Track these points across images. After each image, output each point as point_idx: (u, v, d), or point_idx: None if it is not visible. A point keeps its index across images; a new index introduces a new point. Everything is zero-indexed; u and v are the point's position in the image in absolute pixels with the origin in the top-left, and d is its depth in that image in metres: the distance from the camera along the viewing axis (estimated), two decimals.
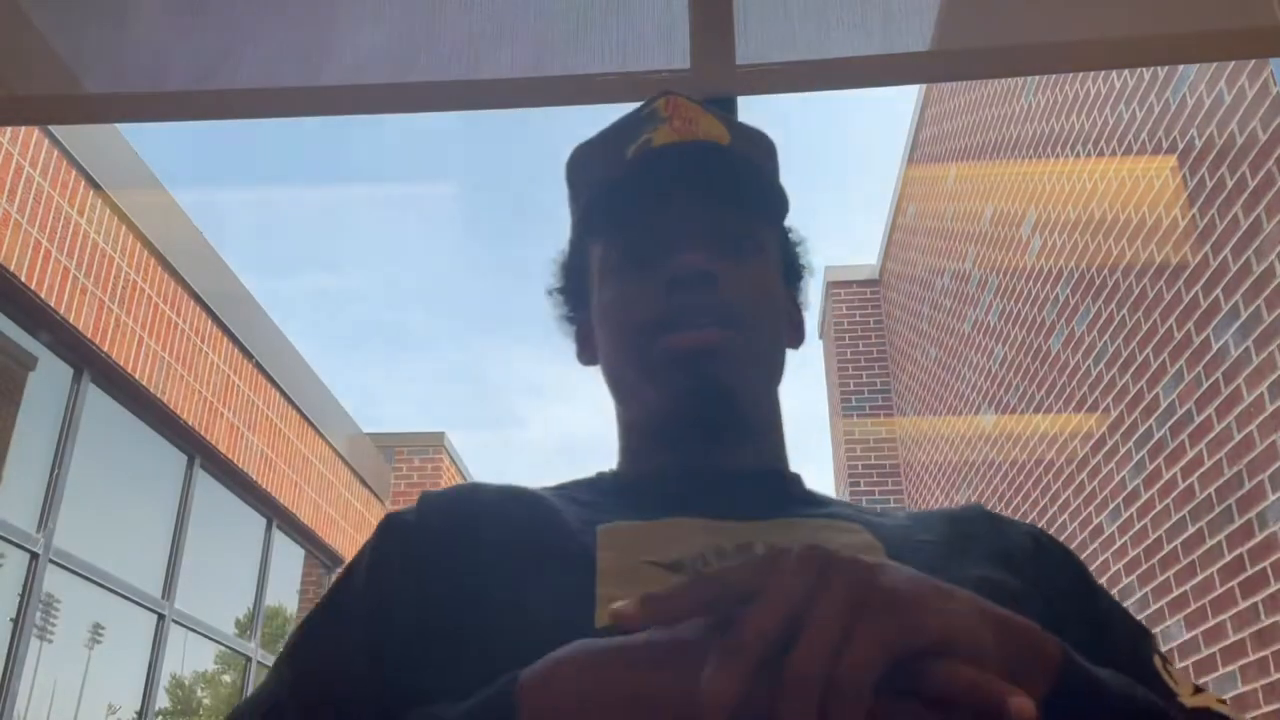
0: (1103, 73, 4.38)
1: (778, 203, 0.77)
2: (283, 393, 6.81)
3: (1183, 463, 3.81)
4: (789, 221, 0.81)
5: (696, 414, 0.70)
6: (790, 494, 0.74)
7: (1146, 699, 0.53)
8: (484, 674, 0.51)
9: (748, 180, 0.75)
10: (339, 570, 0.74)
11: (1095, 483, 4.68)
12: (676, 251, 0.70)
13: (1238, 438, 3.40)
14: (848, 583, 0.42)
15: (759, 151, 0.80)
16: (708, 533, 0.64)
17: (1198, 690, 0.60)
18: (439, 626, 0.59)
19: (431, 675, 0.56)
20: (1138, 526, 4.22)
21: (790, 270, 0.81)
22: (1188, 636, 3.75)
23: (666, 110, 0.76)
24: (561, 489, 0.74)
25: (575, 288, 0.81)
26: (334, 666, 0.61)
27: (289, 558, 7.23)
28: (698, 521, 0.65)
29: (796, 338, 0.81)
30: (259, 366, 6.43)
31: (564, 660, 0.47)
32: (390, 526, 0.68)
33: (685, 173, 0.74)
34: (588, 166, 0.80)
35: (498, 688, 0.48)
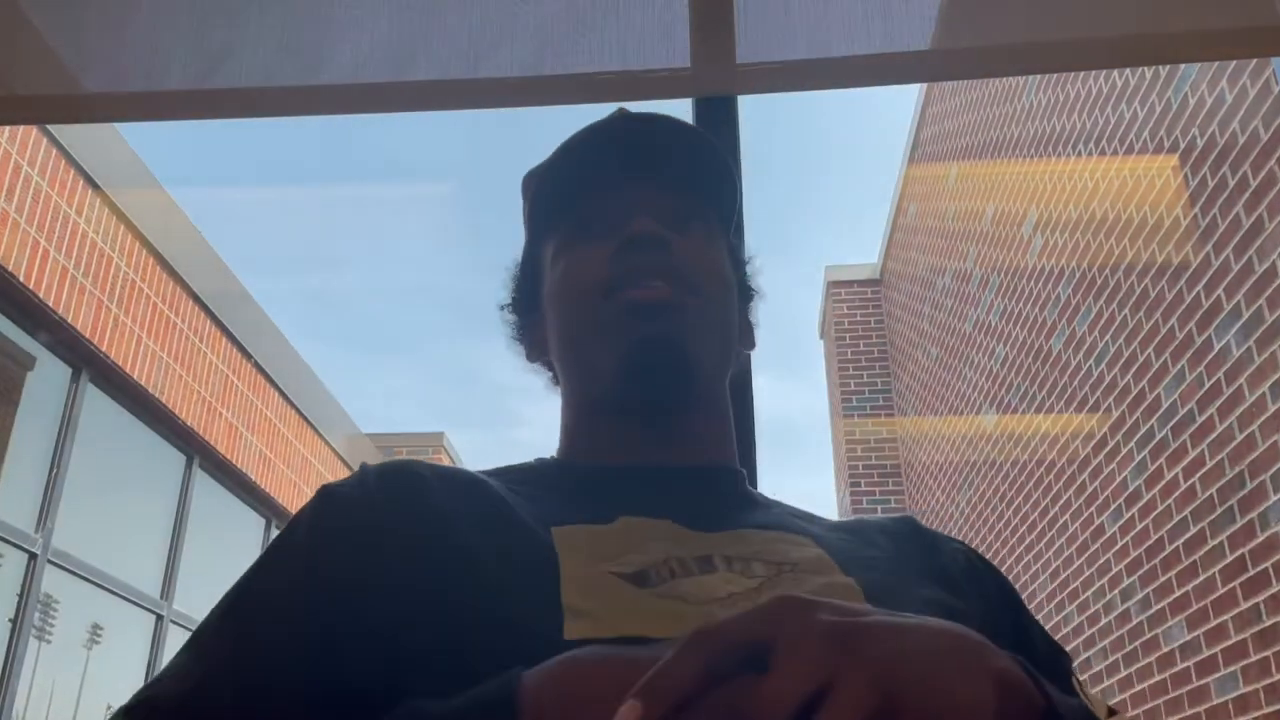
0: (1103, 72, 4.38)
1: (728, 188, 0.79)
2: (282, 393, 6.80)
3: (1184, 463, 3.81)
4: (749, 244, 0.82)
5: (649, 369, 0.69)
6: (738, 494, 0.73)
7: None
8: (441, 640, 0.52)
9: (704, 158, 0.77)
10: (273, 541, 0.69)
11: (1097, 483, 4.68)
12: (629, 219, 0.71)
13: (1239, 438, 3.40)
14: (874, 667, 0.39)
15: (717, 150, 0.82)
16: (664, 540, 0.62)
17: (1112, 713, 0.60)
18: (392, 592, 0.57)
19: (391, 636, 0.54)
20: (1139, 527, 4.21)
21: (741, 287, 0.81)
22: (1189, 637, 3.75)
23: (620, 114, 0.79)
24: (500, 474, 0.71)
25: (527, 294, 0.81)
26: (278, 640, 0.58)
27: None
28: (651, 527, 0.64)
29: (747, 340, 0.81)
30: (258, 366, 6.43)
31: (572, 666, 0.45)
32: (330, 497, 0.64)
33: (639, 143, 0.75)
34: (539, 173, 0.80)
35: (495, 687, 0.46)
